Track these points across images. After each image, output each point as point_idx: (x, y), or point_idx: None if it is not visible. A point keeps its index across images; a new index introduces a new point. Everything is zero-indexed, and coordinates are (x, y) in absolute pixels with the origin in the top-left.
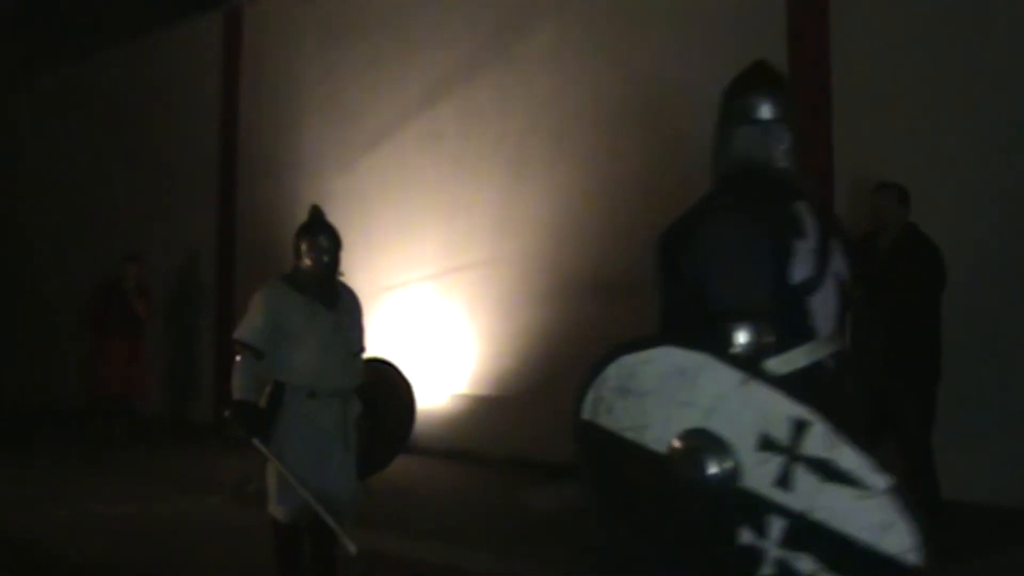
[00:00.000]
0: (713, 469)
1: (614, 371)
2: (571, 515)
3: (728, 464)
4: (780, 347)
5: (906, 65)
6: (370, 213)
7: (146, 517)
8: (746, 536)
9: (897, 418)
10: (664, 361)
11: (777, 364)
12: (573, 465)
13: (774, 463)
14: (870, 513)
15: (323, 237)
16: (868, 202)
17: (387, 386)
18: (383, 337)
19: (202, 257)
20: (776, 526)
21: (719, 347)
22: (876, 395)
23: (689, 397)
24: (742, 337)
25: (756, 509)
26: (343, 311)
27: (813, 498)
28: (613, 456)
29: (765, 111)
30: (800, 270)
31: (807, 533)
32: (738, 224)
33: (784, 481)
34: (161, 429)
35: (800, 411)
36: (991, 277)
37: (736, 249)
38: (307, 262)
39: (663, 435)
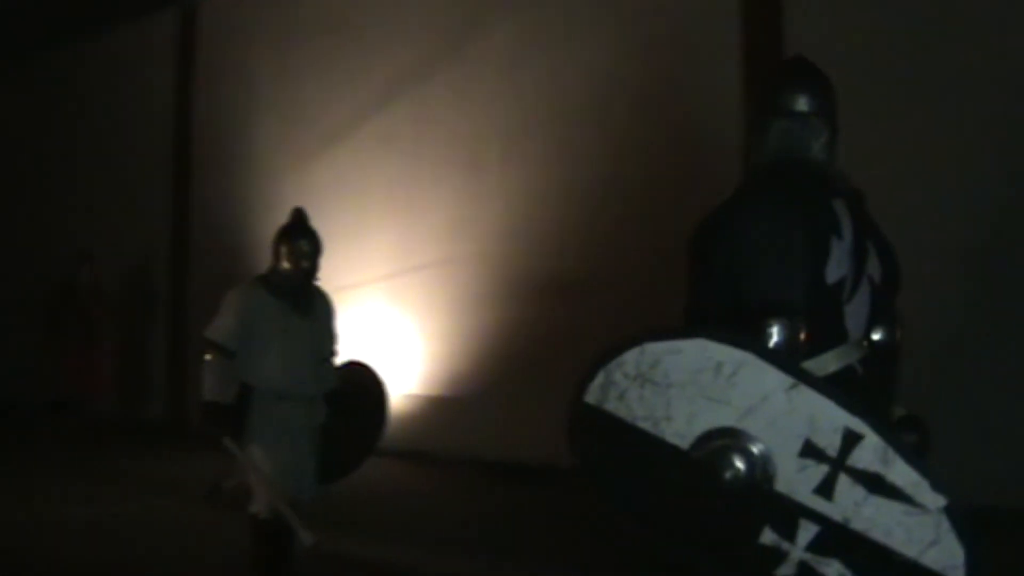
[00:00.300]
0: (743, 471)
1: (634, 357)
2: (525, 515)
3: (760, 466)
4: (812, 349)
5: (858, 70)
6: (324, 212)
7: (106, 518)
8: (769, 536)
9: None
10: (698, 354)
11: (810, 367)
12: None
13: (817, 471)
14: (918, 530)
15: (304, 242)
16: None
17: (359, 389)
18: (339, 337)
19: (155, 255)
20: (807, 531)
21: (762, 345)
22: None
23: (723, 395)
24: (776, 335)
25: (787, 512)
26: (316, 317)
27: (856, 509)
28: (617, 443)
29: (802, 104)
30: (835, 270)
31: (841, 541)
32: (775, 218)
33: (825, 490)
34: (114, 429)
35: (853, 422)
36: (951, 279)
37: (772, 243)
38: (285, 265)
39: (685, 430)
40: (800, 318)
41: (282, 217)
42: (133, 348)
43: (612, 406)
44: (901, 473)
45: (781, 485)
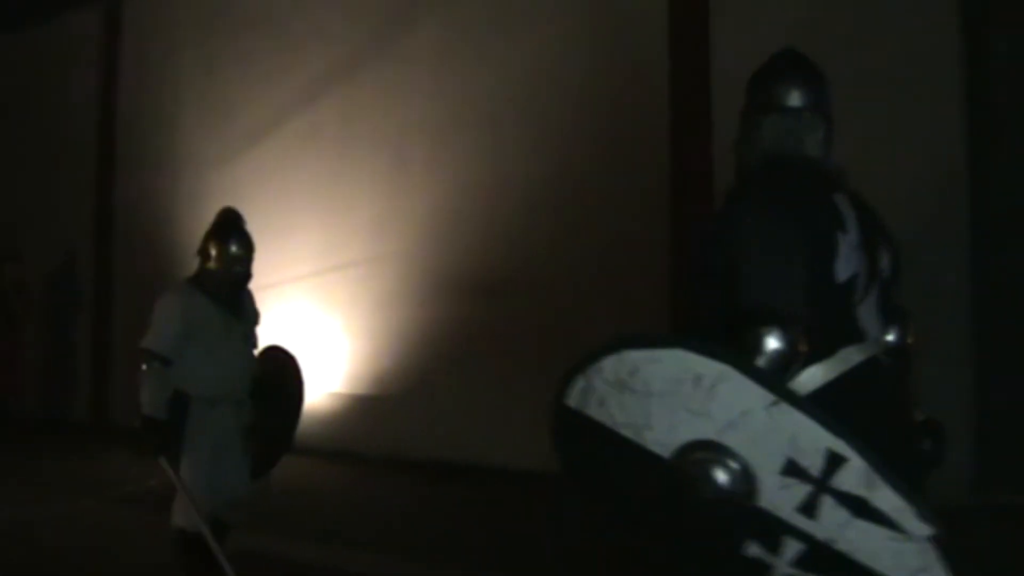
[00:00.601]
0: (724, 484)
1: (612, 364)
2: (449, 514)
3: (741, 481)
4: (824, 351)
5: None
6: (249, 210)
7: (28, 519)
8: (754, 549)
9: None
10: (676, 365)
11: (824, 368)
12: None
13: (799, 490)
14: (904, 556)
15: (236, 245)
16: None
17: (283, 373)
18: (263, 335)
19: (79, 254)
20: (791, 547)
21: (744, 357)
22: None
23: (703, 408)
24: (772, 343)
25: (771, 528)
26: (247, 318)
27: (840, 531)
28: (600, 448)
29: (795, 98)
30: (845, 268)
31: (826, 560)
32: (769, 218)
33: (809, 509)
34: (36, 429)
35: (837, 444)
36: None
37: (767, 245)
38: (215, 267)
39: (666, 440)
40: (798, 326)
41: (206, 213)
42: (57, 347)
43: (593, 411)
44: (885, 498)
45: (764, 501)
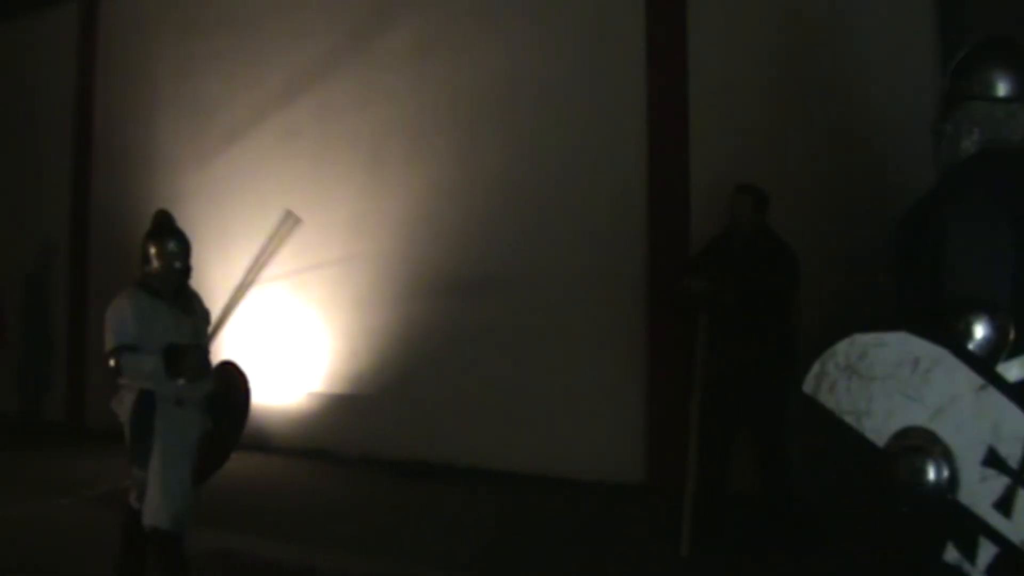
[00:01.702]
0: (930, 474)
1: (844, 347)
2: (426, 514)
3: (946, 472)
4: (1021, 347)
5: (761, 66)
6: (226, 209)
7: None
8: (952, 555)
9: (753, 418)
10: (899, 347)
11: (1019, 366)
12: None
13: (997, 483)
14: None
15: (173, 243)
16: (724, 203)
17: (228, 386)
18: (238, 335)
19: (55, 252)
20: (986, 552)
21: (960, 342)
22: (733, 396)
23: (917, 392)
24: (980, 331)
25: (968, 528)
26: (196, 315)
27: None
28: (832, 433)
29: (1003, 88)
30: None
31: (1020, 566)
32: (980, 209)
33: (1005, 505)
34: (13, 428)
35: None
36: (843, 277)
37: (978, 237)
38: (156, 267)
39: (882, 427)
40: (1006, 314)
41: (183, 213)
42: (33, 346)
43: (823, 397)
44: None
45: (964, 495)
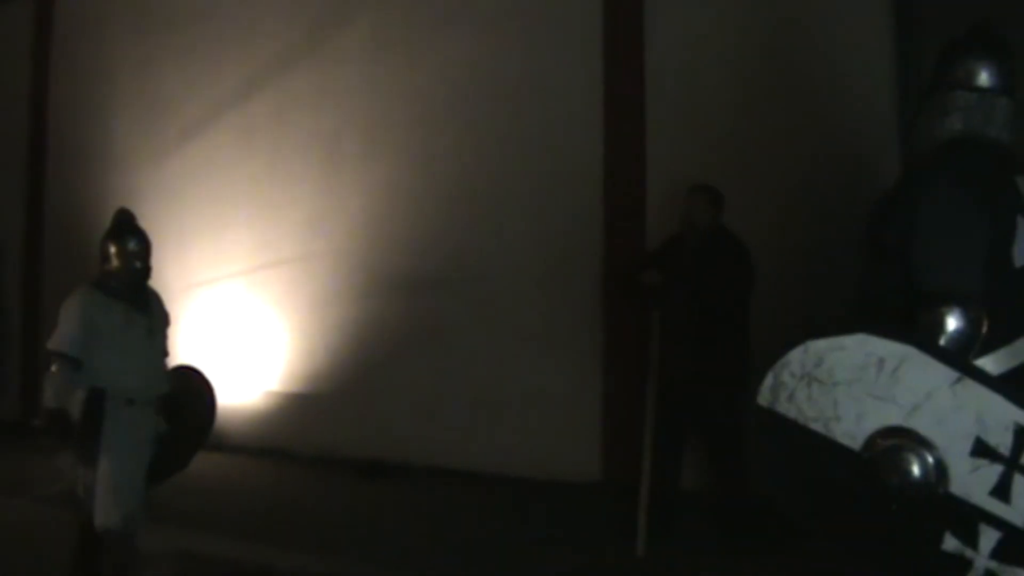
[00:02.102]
0: (916, 472)
1: (798, 356)
2: (382, 513)
3: (933, 467)
4: (1001, 338)
5: (720, 65)
6: (182, 207)
7: None
8: (951, 543)
9: (706, 416)
10: (859, 350)
11: (1003, 356)
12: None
13: (991, 471)
14: None
15: (133, 242)
16: (680, 203)
17: (191, 393)
18: (195, 334)
19: (8, 249)
20: (989, 537)
21: (926, 337)
22: (686, 395)
23: (887, 392)
24: (953, 322)
25: (965, 516)
26: (154, 315)
27: None
28: (794, 446)
29: (984, 79)
30: (1022, 252)
31: None
32: (951, 197)
33: (1002, 491)
34: None
35: None
36: (800, 277)
37: (948, 225)
38: (116, 266)
39: (855, 430)
40: (979, 305)
41: (140, 210)
42: None
43: (783, 408)
44: None
45: (956, 487)
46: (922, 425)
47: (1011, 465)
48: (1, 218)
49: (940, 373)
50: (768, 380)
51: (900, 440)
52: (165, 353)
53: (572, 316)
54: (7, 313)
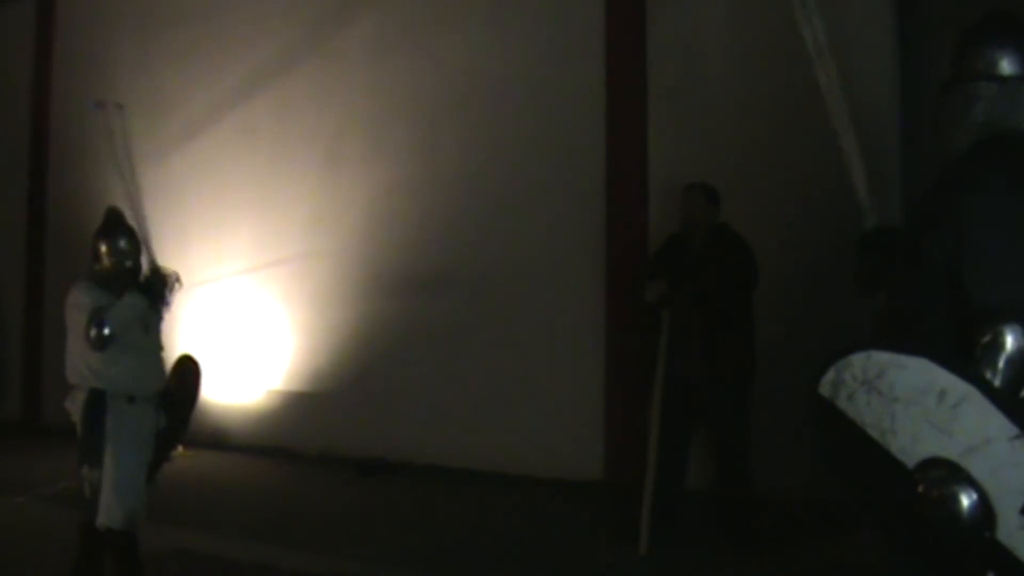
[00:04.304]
0: (965, 511)
1: (861, 361)
2: (384, 511)
3: (980, 510)
4: None
5: (720, 63)
6: (184, 206)
7: None
8: None
9: (712, 414)
10: (921, 375)
11: None
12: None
13: None
14: None
15: (123, 240)
16: (677, 202)
17: (182, 381)
18: (197, 332)
19: (11, 250)
20: None
21: (987, 382)
22: (692, 394)
23: (946, 425)
24: (1013, 341)
25: (1010, 565)
26: (150, 313)
27: None
28: (851, 438)
29: (1005, 66)
30: None
31: None
32: (1002, 203)
33: None
34: None
35: None
36: (800, 274)
37: (1002, 235)
38: (107, 265)
39: (910, 450)
40: None
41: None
42: None
43: (843, 405)
44: None
45: (1003, 536)
46: (976, 468)
47: None
48: (4, 217)
49: (1000, 424)
50: (830, 375)
51: (952, 474)
52: (161, 348)
53: (574, 315)
54: (8, 314)
